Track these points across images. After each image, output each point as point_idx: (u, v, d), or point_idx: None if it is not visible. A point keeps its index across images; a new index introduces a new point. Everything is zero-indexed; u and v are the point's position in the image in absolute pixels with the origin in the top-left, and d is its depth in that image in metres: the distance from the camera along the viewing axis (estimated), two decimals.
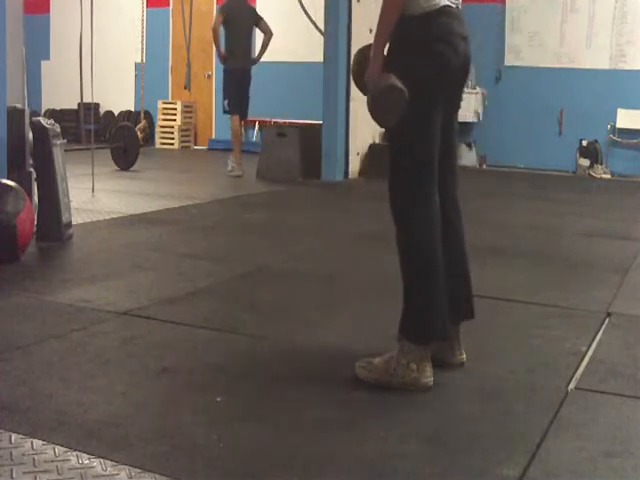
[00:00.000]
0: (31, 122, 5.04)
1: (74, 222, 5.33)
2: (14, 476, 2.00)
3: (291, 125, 9.63)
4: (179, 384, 2.71)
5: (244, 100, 9.35)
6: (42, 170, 5.01)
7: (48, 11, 13.93)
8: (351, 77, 2.93)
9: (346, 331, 3.39)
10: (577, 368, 2.96)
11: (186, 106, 12.97)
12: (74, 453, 2.14)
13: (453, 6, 2.80)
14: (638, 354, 3.19)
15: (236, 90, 9.28)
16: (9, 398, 2.50)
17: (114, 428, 2.30)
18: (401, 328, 2.76)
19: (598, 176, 10.42)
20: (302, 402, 2.57)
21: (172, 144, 12.93)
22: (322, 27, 9.33)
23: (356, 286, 4.19)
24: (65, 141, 5.38)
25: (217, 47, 9.27)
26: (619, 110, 10.43)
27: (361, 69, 2.80)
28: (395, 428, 2.39)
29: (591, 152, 10.54)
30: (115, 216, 6.05)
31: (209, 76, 12.82)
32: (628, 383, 2.83)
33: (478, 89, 10.76)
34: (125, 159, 9.24)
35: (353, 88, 8.92)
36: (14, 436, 2.22)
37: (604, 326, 3.52)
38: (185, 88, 10.64)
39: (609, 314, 3.70)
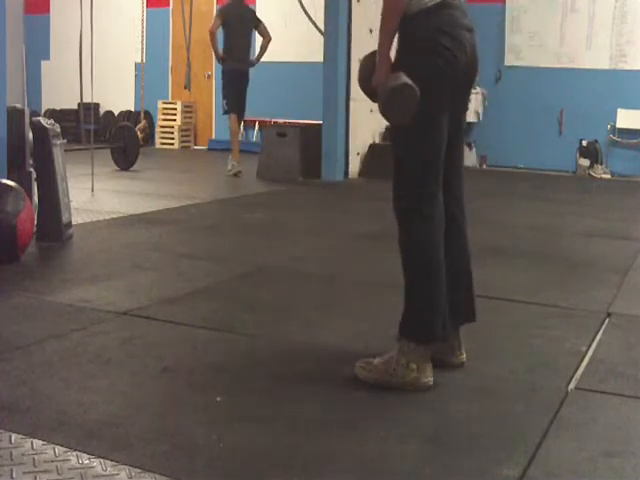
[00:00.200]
0: (31, 122, 5.04)
1: (74, 222, 5.33)
2: (14, 476, 2.00)
3: (291, 125, 9.63)
4: (179, 384, 2.71)
5: (242, 100, 9.37)
6: (42, 170, 5.01)
7: (48, 11, 13.93)
8: (359, 85, 2.88)
9: (346, 331, 3.39)
10: (577, 368, 2.96)
11: (186, 106, 12.97)
12: (74, 453, 2.14)
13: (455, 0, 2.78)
14: (638, 354, 3.19)
15: (234, 90, 9.33)
16: (9, 398, 2.50)
17: (114, 428, 2.30)
18: (401, 328, 2.76)
19: (598, 176, 10.42)
20: (302, 402, 2.57)
21: (172, 144, 12.93)
22: (322, 27, 9.33)
23: (356, 286, 4.19)
24: (65, 141, 5.38)
25: (215, 50, 9.34)
26: (619, 110, 10.43)
27: (367, 75, 2.78)
28: (395, 428, 2.39)
29: (591, 152, 10.55)
30: (115, 216, 6.05)
31: (209, 76, 12.82)
32: (628, 383, 2.83)
33: (478, 89, 10.75)
34: (125, 159, 9.24)
35: (353, 88, 8.94)
36: (14, 436, 2.22)
37: (604, 326, 3.52)
38: (185, 88, 10.65)
39: (609, 314, 3.70)
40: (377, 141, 9.69)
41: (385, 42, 2.72)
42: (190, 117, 13.09)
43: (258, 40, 9.63)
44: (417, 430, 2.38)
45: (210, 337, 3.24)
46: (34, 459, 2.10)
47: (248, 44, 9.55)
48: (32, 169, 5.01)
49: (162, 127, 12.99)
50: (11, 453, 2.12)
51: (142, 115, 11.26)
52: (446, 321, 2.75)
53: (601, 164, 10.53)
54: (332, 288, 4.19)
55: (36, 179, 5.02)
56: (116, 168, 9.14)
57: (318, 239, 5.55)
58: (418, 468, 2.14)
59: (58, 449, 2.16)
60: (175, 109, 12.91)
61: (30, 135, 5.01)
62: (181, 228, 5.79)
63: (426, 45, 2.70)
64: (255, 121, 12.16)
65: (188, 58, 10.43)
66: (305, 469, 2.11)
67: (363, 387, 2.71)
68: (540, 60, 10.88)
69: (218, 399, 2.55)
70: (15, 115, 4.99)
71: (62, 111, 13.12)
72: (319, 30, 9.75)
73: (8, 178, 4.69)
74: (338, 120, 8.99)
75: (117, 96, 13.21)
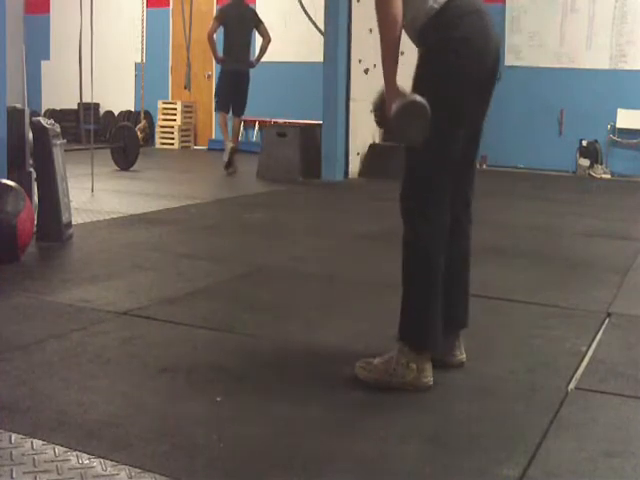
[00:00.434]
0: (31, 122, 5.04)
1: (74, 222, 5.33)
2: (14, 476, 2.00)
3: (291, 125, 9.64)
4: (179, 384, 2.71)
5: (233, 99, 9.42)
6: (42, 170, 5.01)
7: (48, 11, 13.93)
8: (375, 121, 2.82)
9: (346, 331, 3.39)
10: (577, 368, 2.96)
11: (186, 106, 12.97)
12: (74, 453, 2.14)
13: None
14: (638, 354, 3.19)
15: (227, 90, 9.41)
16: (9, 398, 2.50)
17: (114, 428, 2.30)
18: (399, 331, 2.76)
19: (598, 176, 10.42)
20: (302, 402, 2.57)
21: (172, 144, 12.93)
22: (322, 27, 9.34)
23: (356, 286, 4.19)
24: (65, 141, 5.38)
25: (213, 53, 9.42)
26: (619, 110, 10.43)
27: (379, 105, 2.74)
28: (395, 428, 2.39)
29: (591, 152, 10.55)
30: (115, 216, 6.05)
31: (209, 76, 12.82)
32: (628, 383, 2.83)
33: None
34: (125, 159, 9.24)
35: (353, 88, 8.95)
36: (14, 436, 2.22)
37: (604, 326, 3.52)
38: (185, 88, 10.65)
39: (609, 314, 3.70)
40: (377, 141, 9.69)
41: (389, 60, 2.65)
42: (190, 117, 13.09)
43: (258, 40, 9.65)
44: (417, 430, 2.38)
45: (210, 337, 3.24)
46: (34, 459, 2.10)
47: (248, 44, 9.57)
48: (32, 169, 5.01)
49: (162, 127, 13.00)
50: (11, 453, 2.12)
51: (142, 115, 11.27)
52: (438, 335, 2.74)
53: (601, 164, 10.53)
54: (332, 288, 4.19)
55: (36, 179, 5.02)
56: (116, 168, 9.14)
57: (318, 239, 5.54)
58: (418, 468, 2.14)
59: (58, 449, 2.16)
60: (175, 109, 12.91)
61: (30, 135, 5.01)
62: (181, 228, 5.79)
63: (442, 54, 2.64)
64: (255, 121, 12.16)
65: (188, 58, 10.43)
66: (305, 469, 2.11)
67: (363, 387, 2.71)
68: (540, 60, 10.88)
69: (218, 399, 2.55)
70: (15, 115, 4.99)
71: (62, 111, 13.12)
72: (319, 30, 9.76)
73: (8, 178, 4.69)
74: (338, 120, 8.99)
75: (117, 96, 13.21)
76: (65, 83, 11.77)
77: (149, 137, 11.65)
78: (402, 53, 2.68)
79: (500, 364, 3.02)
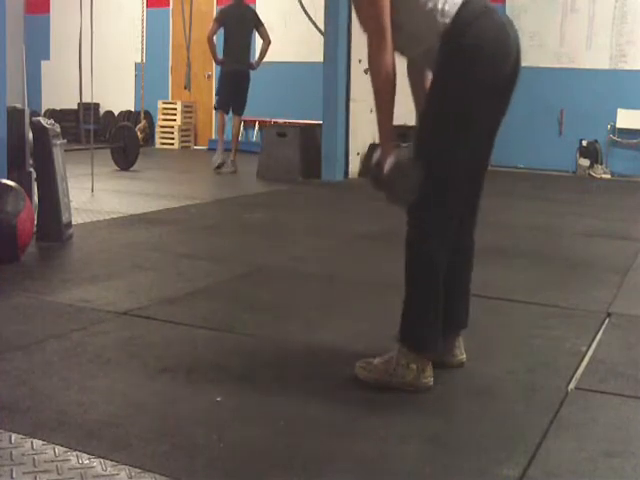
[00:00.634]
0: (31, 122, 5.04)
1: (74, 222, 5.33)
2: (14, 476, 2.00)
3: (291, 125, 9.64)
4: (179, 384, 2.71)
5: (233, 99, 9.47)
6: (42, 170, 5.01)
7: (48, 11, 13.94)
8: (370, 182, 2.79)
9: (346, 331, 3.39)
10: (577, 368, 2.96)
11: (186, 106, 12.97)
12: (74, 453, 2.14)
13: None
14: (638, 354, 3.19)
15: (227, 90, 9.46)
16: (9, 398, 2.50)
17: (114, 428, 2.30)
18: (400, 332, 2.76)
19: (598, 176, 10.42)
20: (302, 402, 2.57)
21: (172, 144, 12.93)
22: (322, 27, 9.34)
23: (356, 286, 4.19)
24: (65, 141, 5.38)
25: (213, 55, 9.47)
26: (619, 110, 10.43)
27: (376, 171, 2.72)
28: (395, 428, 2.39)
29: (591, 152, 10.55)
30: (115, 216, 6.05)
31: (209, 76, 12.82)
32: (628, 383, 2.83)
33: None
34: (125, 159, 9.24)
35: (353, 88, 8.94)
36: (14, 436, 2.22)
37: (604, 326, 3.52)
38: (185, 88, 10.66)
39: (609, 314, 3.70)
40: (377, 141, 9.67)
41: (385, 119, 2.64)
42: (190, 117, 13.09)
43: (259, 42, 9.67)
44: (417, 430, 2.38)
45: (210, 337, 3.24)
46: (34, 459, 2.10)
47: (248, 44, 9.59)
48: (32, 169, 5.01)
49: (162, 127, 13.00)
50: (11, 453, 2.12)
51: (142, 115, 11.27)
52: (439, 335, 2.73)
53: (601, 164, 10.53)
54: (332, 288, 4.19)
55: (36, 179, 5.02)
56: (116, 168, 9.14)
57: (318, 239, 5.54)
58: (418, 468, 2.14)
59: (58, 449, 2.16)
60: (175, 109, 12.91)
61: (30, 135, 5.01)
62: (181, 228, 5.79)
63: (458, 58, 2.60)
64: (255, 121, 12.17)
65: (188, 58, 10.44)
66: (305, 469, 2.11)
67: (363, 387, 2.71)
68: (540, 60, 10.88)
69: (218, 399, 2.55)
70: (15, 115, 4.99)
71: (62, 111, 13.12)
72: (319, 30, 9.76)
73: (8, 178, 4.69)
74: (338, 120, 8.99)
75: (117, 96, 13.21)
76: (65, 83, 11.77)
77: (149, 137, 11.66)
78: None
79: (500, 364, 3.02)
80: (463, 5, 2.60)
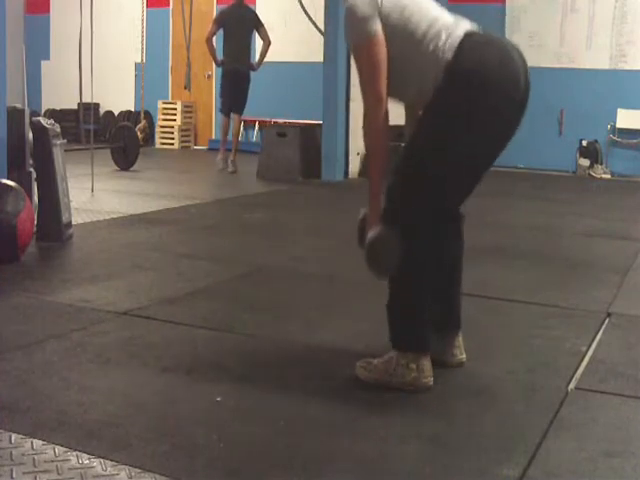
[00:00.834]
0: (31, 122, 5.04)
1: (74, 222, 5.33)
2: (14, 476, 2.00)
3: (291, 125, 9.64)
4: (179, 384, 2.71)
5: (234, 99, 9.44)
6: (42, 170, 5.01)
7: (48, 11, 13.93)
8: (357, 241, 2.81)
9: (346, 331, 3.39)
10: (577, 368, 2.96)
11: (186, 106, 12.97)
12: (74, 453, 2.14)
13: (476, 30, 2.65)
14: (638, 354, 3.19)
15: (228, 90, 9.47)
16: (9, 398, 2.50)
17: (114, 428, 2.30)
18: (390, 339, 2.76)
19: (598, 176, 10.42)
20: (302, 402, 2.57)
21: (172, 144, 12.93)
22: (322, 27, 9.35)
23: (356, 286, 4.19)
24: (65, 141, 5.38)
25: (212, 56, 9.54)
26: (619, 110, 10.43)
27: (363, 231, 2.74)
28: (395, 428, 2.39)
29: (591, 152, 10.54)
30: (115, 216, 6.05)
31: (209, 76, 12.82)
32: (628, 383, 2.83)
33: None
34: (125, 159, 9.24)
35: (353, 88, 8.94)
36: (14, 436, 2.22)
37: (604, 326, 3.52)
38: (185, 88, 10.66)
39: (609, 314, 3.70)
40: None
41: (376, 177, 2.64)
42: (190, 117, 13.09)
43: (259, 43, 9.69)
44: (417, 430, 2.38)
45: (210, 337, 3.24)
46: (34, 459, 2.10)
47: (248, 45, 9.62)
48: (32, 169, 5.01)
49: (162, 127, 12.99)
50: (11, 453, 2.12)
51: (142, 115, 11.27)
52: (429, 333, 2.73)
53: (601, 164, 10.53)
54: (332, 288, 4.19)
55: (36, 179, 5.02)
56: (116, 168, 9.14)
57: (318, 239, 5.54)
58: (418, 468, 2.14)
59: (58, 449, 2.16)
60: (175, 109, 12.90)
61: (30, 135, 5.01)
62: (181, 228, 5.79)
63: (455, 84, 2.57)
64: (255, 121, 12.16)
65: (188, 58, 10.44)
66: (305, 469, 2.11)
67: (363, 387, 2.71)
68: (540, 60, 10.87)
69: (218, 399, 2.55)
70: (15, 115, 4.99)
71: (62, 111, 13.12)
72: (319, 30, 9.76)
73: (8, 178, 4.69)
74: (338, 120, 8.99)
75: (117, 96, 13.21)
76: (65, 83, 11.77)
77: (149, 137, 11.65)
78: None
79: (500, 364, 3.02)
80: (465, 37, 2.59)
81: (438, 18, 2.66)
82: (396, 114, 2.73)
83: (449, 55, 2.56)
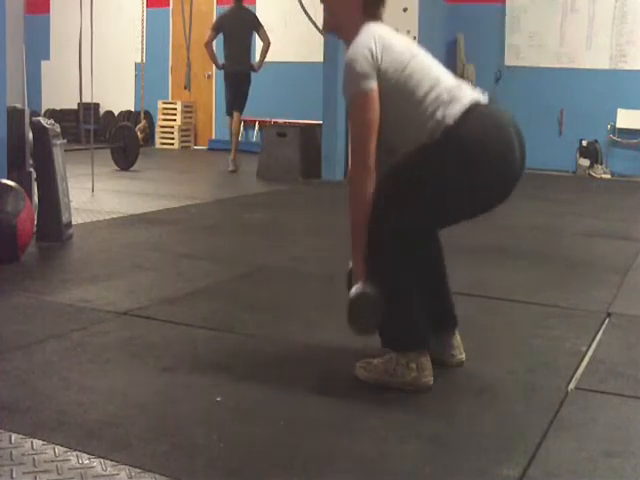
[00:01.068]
0: (31, 122, 5.04)
1: (74, 222, 5.33)
2: (14, 476, 2.00)
3: (291, 125, 9.64)
4: (179, 384, 2.71)
5: (237, 100, 9.49)
6: (42, 170, 5.01)
7: (48, 11, 13.93)
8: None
9: (346, 331, 3.36)
10: (577, 368, 2.96)
11: (186, 106, 12.97)
12: (74, 453, 2.14)
13: (482, 102, 2.65)
14: (638, 354, 3.19)
15: (229, 92, 9.52)
16: (9, 398, 2.50)
17: (114, 428, 2.30)
18: (384, 338, 2.76)
19: (598, 176, 10.42)
20: (302, 402, 2.57)
21: (172, 144, 12.93)
22: (322, 26, 9.33)
23: None
24: (65, 141, 5.38)
25: (213, 60, 9.64)
26: (619, 110, 10.43)
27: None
28: (395, 428, 2.39)
29: (591, 152, 10.55)
30: (115, 216, 6.05)
31: (209, 76, 12.82)
32: (628, 383, 2.83)
33: (478, 89, 10.75)
34: (125, 159, 9.24)
35: None
36: (14, 436, 2.22)
37: (604, 326, 3.52)
38: (185, 88, 10.66)
39: (609, 314, 3.70)
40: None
41: (358, 244, 2.63)
42: (190, 117, 13.09)
43: (259, 45, 9.71)
44: (417, 430, 2.38)
45: (210, 337, 3.24)
46: (34, 459, 2.10)
47: (248, 46, 9.66)
48: (32, 169, 5.01)
49: (162, 127, 12.99)
50: (11, 453, 2.12)
51: (142, 115, 11.26)
52: (423, 330, 2.73)
53: (601, 164, 10.53)
54: (332, 288, 4.18)
55: (36, 179, 5.02)
56: (116, 168, 9.14)
57: (318, 239, 5.54)
58: (418, 468, 2.14)
59: (58, 449, 2.16)
60: (175, 109, 12.90)
61: (30, 135, 5.01)
62: (181, 228, 5.79)
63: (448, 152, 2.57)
64: (255, 121, 12.16)
65: (188, 58, 10.45)
66: (305, 469, 2.11)
67: (363, 387, 2.71)
68: (540, 60, 10.89)
69: (218, 399, 2.55)
70: (15, 115, 4.99)
71: (62, 111, 13.11)
72: (319, 30, 9.76)
73: (8, 178, 4.69)
74: (338, 120, 8.99)
75: (117, 96, 13.20)
76: (65, 83, 11.77)
77: (149, 137, 11.65)
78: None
79: (500, 364, 3.02)
80: (469, 107, 2.59)
81: (441, 80, 2.65)
82: None
83: (450, 121, 2.56)
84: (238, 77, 9.48)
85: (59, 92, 13.15)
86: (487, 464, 2.17)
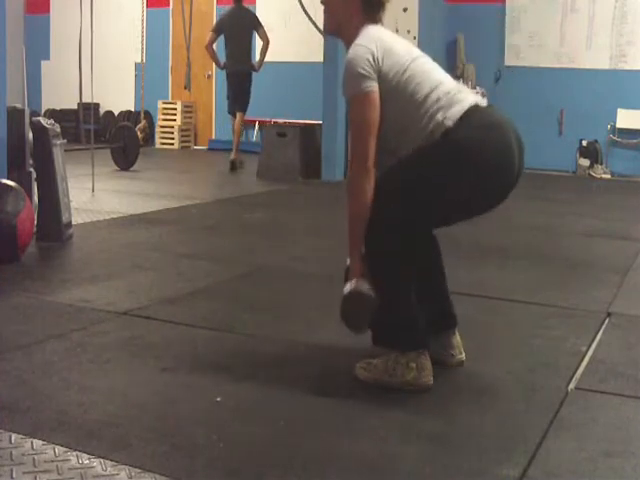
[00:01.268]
0: (31, 122, 5.04)
1: (74, 222, 5.33)
2: (14, 476, 2.00)
3: (291, 125, 9.64)
4: (179, 384, 2.71)
5: (239, 100, 9.56)
6: (42, 170, 5.01)
7: (48, 11, 13.92)
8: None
9: (346, 331, 3.38)
10: (577, 368, 2.96)
11: (186, 106, 12.96)
12: (74, 453, 2.14)
13: (482, 105, 2.66)
14: (638, 354, 3.19)
15: (231, 91, 9.56)
16: (9, 398, 2.50)
17: (114, 428, 2.30)
18: (382, 338, 2.76)
19: (598, 176, 10.42)
20: (302, 402, 2.57)
21: (172, 144, 12.93)
22: (322, 27, 9.35)
23: None
24: (65, 141, 5.38)
25: (214, 61, 9.75)
26: (619, 110, 10.44)
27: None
28: (395, 428, 2.39)
29: (591, 152, 10.55)
30: (115, 216, 6.05)
31: (209, 76, 12.82)
32: (628, 383, 2.83)
33: (478, 89, 10.76)
34: (125, 159, 9.24)
35: None
36: (14, 436, 2.22)
37: (604, 326, 3.52)
38: (185, 88, 10.67)
39: (609, 314, 3.70)
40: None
41: (355, 246, 2.65)
42: (190, 117, 13.09)
43: (259, 44, 9.73)
44: (417, 430, 2.38)
45: (210, 337, 3.24)
46: (34, 459, 2.10)
47: (248, 46, 9.71)
48: (32, 169, 5.01)
49: (162, 127, 12.99)
50: (11, 453, 2.12)
51: (142, 115, 11.26)
52: (419, 330, 2.73)
53: (601, 164, 10.53)
54: (332, 288, 4.16)
55: (36, 179, 5.02)
56: (116, 168, 9.14)
57: (318, 239, 5.54)
58: (418, 468, 2.14)
59: (58, 449, 2.16)
60: (175, 109, 12.90)
61: (30, 135, 5.01)
62: (181, 228, 5.79)
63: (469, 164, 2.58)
64: (255, 121, 12.16)
65: (188, 58, 10.45)
66: (305, 469, 2.11)
67: (363, 387, 2.71)
68: (540, 60, 10.89)
69: (218, 399, 2.55)
70: (15, 115, 4.99)
71: (62, 111, 13.11)
72: (319, 30, 9.76)
73: (8, 178, 4.69)
74: (338, 120, 8.99)
75: (117, 96, 13.20)
76: (65, 83, 11.77)
77: (149, 137, 11.65)
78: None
79: (500, 364, 3.02)
80: (470, 110, 2.60)
81: (441, 82, 2.66)
82: None
83: (449, 123, 2.57)
84: (239, 77, 9.54)
85: (59, 92, 13.15)
86: (487, 464, 2.17)
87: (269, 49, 9.56)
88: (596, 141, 10.52)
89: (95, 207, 6.43)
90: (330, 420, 2.44)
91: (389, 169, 2.66)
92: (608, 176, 10.43)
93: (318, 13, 10.65)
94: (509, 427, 2.44)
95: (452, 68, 10.78)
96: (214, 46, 9.51)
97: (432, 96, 2.61)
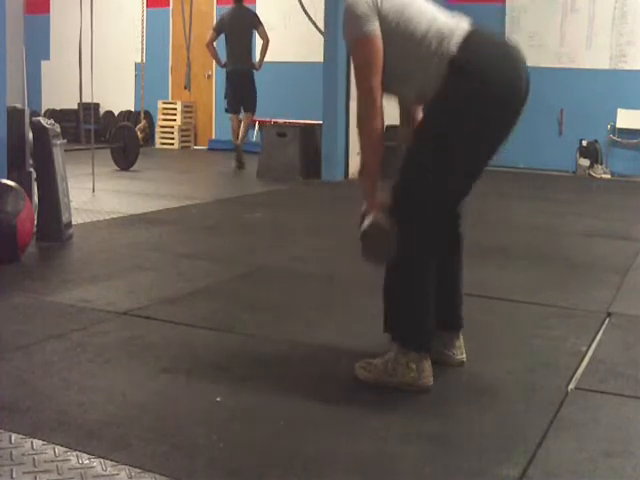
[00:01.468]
0: (31, 122, 5.04)
1: (74, 222, 5.33)
2: (14, 476, 2.00)
3: (291, 125, 9.64)
4: (179, 384, 2.71)
5: (240, 98, 9.64)
6: (42, 170, 5.01)
7: (48, 11, 13.92)
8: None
9: (346, 331, 3.39)
10: (577, 368, 2.96)
11: (186, 106, 12.96)
12: (74, 453, 2.14)
13: (478, 28, 2.67)
14: (638, 354, 3.19)
15: (231, 91, 9.60)
16: (9, 398, 2.50)
17: (114, 428, 2.30)
18: (391, 332, 2.76)
19: (598, 176, 10.42)
20: (302, 402, 2.57)
21: (172, 144, 12.92)
22: (322, 27, 9.35)
23: (356, 286, 4.19)
24: (65, 141, 5.38)
25: (215, 59, 9.83)
26: (619, 110, 10.43)
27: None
28: (395, 428, 2.39)
29: (591, 152, 10.54)
30: (115, 216, 6.05)
31: (209, 76, 12.82)
32: (628, 383, 2.83)
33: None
34: (125, 159, 9.24)
35: (353, 88, 8.94)
36: (14, 436, 2.22)
37: (604, 326, 3.52)
38: (185, 88, 10.67)
39: (609, 314, 3.70)
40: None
41: (370, 178, 2.69)
42: (190, 117, 13.08)
43: (260, 43, 9.75)
44: (417, 430, 2.38)
45: (210, 337, 3.24)
46: (34, 459, 2.10)
47: (248, 45, 9.74)
48: (32, 169, 5.01)
49: (162, 127, 12.98)
50: (11, 453, 2.12)
51: (142, 115, 11.26)
52: (429, 334, 2.73)
53: (601, 164, 10.53)
54: (332, 288, 4.19)
55: (36, 179, 5.02)
56: (116, 168, 9.14)
57: (318, 239, 5.54)
58: (418, 468, 2.14)
59: (58, 449, 2.16)
60: (175, 109, 12.90)
61: (30, 135, 5.01)
62: (181, 228, 5.79)
63: (462, 100, 2.58)
64: (255, 121, 12.15)
65: (188, 58, 10.45)
66: (305, 469, 2.11)
67: (363, 387, 2.71)
68: (540, 60, 10.86)
69: (218, 399, 2.55)
70: (15, 115, 4.99)
71: (62, 111, 13.10)
72: (319, 30, 9.76)
73: (8, 178, 4.69)
74: (338, 120, 8.99)
75: (117, 96, 13.19)
76: (65, 83, 11.76)
77: (149, 137, 11.64)
78: None
79: (500, 364, 3.02)
80: (469, 33, 2.61)
81: (438, 17, 2.69)
82: (390, 115, 2.73)
83: (453, 49, 2.58)
84: (240, 76, 9.57)
85: (59, 92, 13.14)
86: (487, 464, 2.17)
87: (269, 48, 9.59)
88: (596, 141, 10.51)
89: (95, 207, 6.43)
90: (330, 420, 2.44)
91: (408, 151, 2.69)
92: (608, 176, 10.42)
93: (318, 13, 10.71)
94: (509, 427, 2.44)
95: None
96: (214, 45, 9.54)
97: (432, 30, 2.62)
